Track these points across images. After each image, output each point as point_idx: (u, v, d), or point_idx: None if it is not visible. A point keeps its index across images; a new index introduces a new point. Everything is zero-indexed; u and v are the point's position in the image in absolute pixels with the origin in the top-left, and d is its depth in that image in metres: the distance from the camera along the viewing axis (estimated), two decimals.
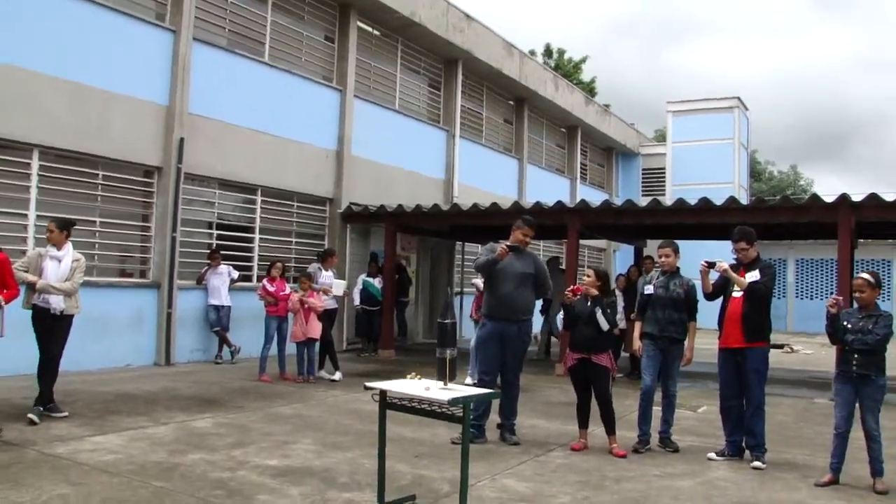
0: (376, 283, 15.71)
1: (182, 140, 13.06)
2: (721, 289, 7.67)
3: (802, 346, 22.01)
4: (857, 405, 6.54)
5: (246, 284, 14.44)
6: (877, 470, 6.40)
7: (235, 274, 13.78)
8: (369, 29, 18.30)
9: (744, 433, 7.45)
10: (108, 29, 12.17)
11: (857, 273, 6.94)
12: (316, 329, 11.72)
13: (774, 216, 13.07)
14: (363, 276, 15.87)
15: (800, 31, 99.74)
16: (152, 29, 12.94)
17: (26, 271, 7.92)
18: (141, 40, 12.73)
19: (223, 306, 13.50)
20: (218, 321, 13.49)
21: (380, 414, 5.55)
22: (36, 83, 11.15)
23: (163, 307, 12.82)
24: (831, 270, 27.25)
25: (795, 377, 14.80)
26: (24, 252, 9.55)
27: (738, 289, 7.45)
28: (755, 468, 7.10)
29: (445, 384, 5.51)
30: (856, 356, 6.41)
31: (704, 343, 9.35)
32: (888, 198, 11.80)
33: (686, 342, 7.96)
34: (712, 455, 7.46)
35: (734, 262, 7.70)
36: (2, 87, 10.72)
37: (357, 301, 15.72)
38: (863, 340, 6.38)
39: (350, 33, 17.11)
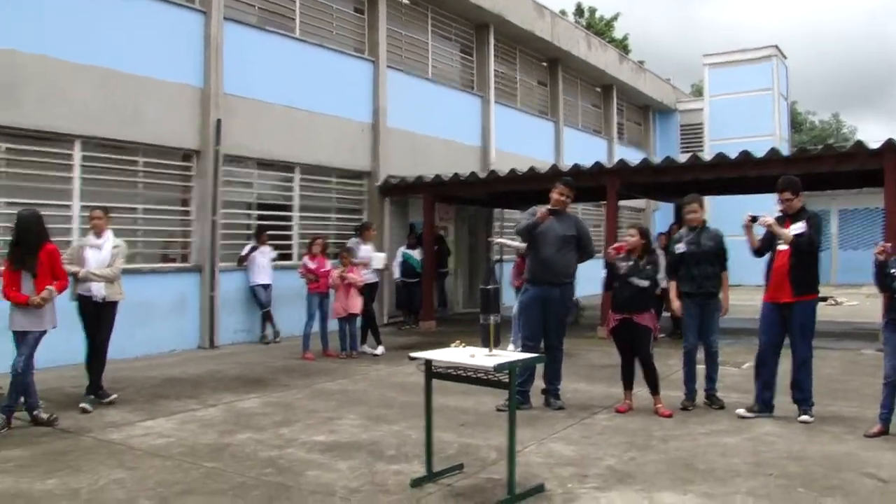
0: (415, 254, 15.74)
1: (219, 121, 13.14)
2: (768, 243, 7.52)
3: (847, 297, 21.68)
4: None
5: (286, 263, 14.56)
6: None
7: (274, 253, 13.89)
8: None
9: (772, 391, 7.36)
10: (138, 13, 12.24)
11: None
12: (357, 304, 11.78)
13: (817, 165, 12.79)
14: (402, 249, 15.92)
15: None
16: (183, 11, 12.98)
17: (70, 263, 8.07)
18: (172, 23, 12.79)
19: (270, 285, 13.62)
20: (268, 300, 13.61)
21: (426, 384, 5.60)
22: (71, 73, 11.26)
23: (205, 290, 12.96)
24: (876, 220, 26.70)
25: (841, 329, 14.60)
26: (69, 243, 9.72)
27: (784, 242, 7.31)
28: (803, 422, 7.05)
29: (490, 351, 5.53)
30: None
31: (746, 300, 9.26)
32: None
33: (721, 294, 7.89)
34: (741, 411, 7.39)
35: (779, 214, 7.55)
36: (39, 80, 10.85)
37: (397, 274, 15.79)
38: None
39: (379, 3, 17.01)
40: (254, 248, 13.56)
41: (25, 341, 7.19)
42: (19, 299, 7.18)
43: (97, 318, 8.12)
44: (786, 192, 7.40)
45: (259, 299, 13.60)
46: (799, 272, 7.22)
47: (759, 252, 7.63)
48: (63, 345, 7.81)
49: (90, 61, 11.49)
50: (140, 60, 12.18)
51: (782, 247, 7.31)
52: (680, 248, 8.02)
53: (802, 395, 7.25)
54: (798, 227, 7.25)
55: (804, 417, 7.10)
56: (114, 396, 8.25)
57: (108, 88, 11.73)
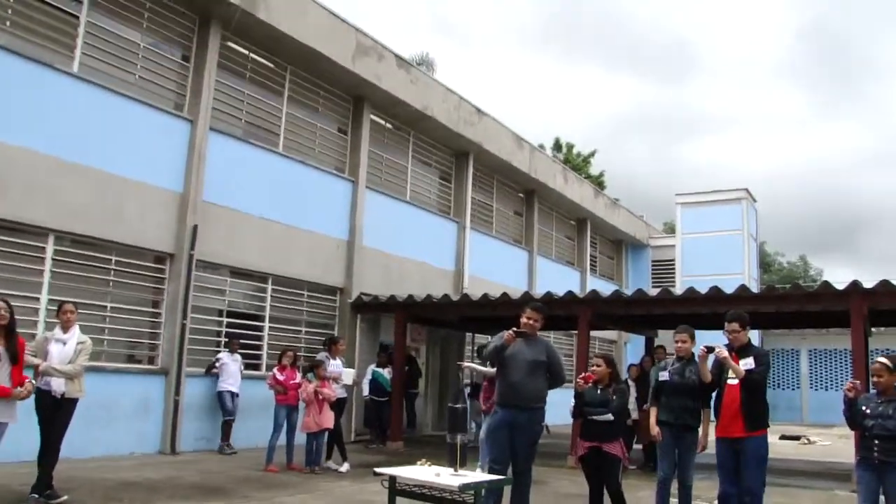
0: (385, 373, 15.61)
1: (195, 227, 13.19)
2: (717, 377, 7.54)
3: (819, 437, 21.60)
4: (881, 495, 6.36)
5: (255, 373, 14.36)
6: None
7: (241, 364, 13.71)
8: (382, 122, 18.64)
9: None
10: (126, 117, 12.47)
11: (873, 360, 6.81)
12: (329, 419, 11.58)
13: (785, 304, 12.98)
14: (373, 367, 15.78)
15: (808, 127, 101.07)
16: (170, 118, 13.24)
17: (34, 356, 7.91)
18: (159, 129, 13.02)
19: (238, 394, 13.37)
20: (233, 409, 13.32)
21: (389, 500, 5.44)
22: (54, 169, 11.36)
23: (170, 394, 12.71)
24: (846, 361, 26.95)
25: (814, 468, 14.46)
26: (33, 335, 9.54)
27: (734, 376, 7.32)
28: None
29: (456, 470, 5.42)
30: (876, 442, 6.26)
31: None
32: None
33: (700, 429, 7.82)
34: None
35: (725, 345, 7.60)
36: (21, 172, 10.93)
37: (366, 391, 15.59)
38: (883, 426, 6.24)
39: (363, 125, 17.42)
40: (220, 356, 13.40)
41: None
42: (4, 392, 6.98)
43: (53, 413, 7.90)
44: (733, 324, 7.49)
45: (225, 406, 13.29)
46: (750, 407, 7.22)
47: (710, 385, 7.62)
48: (16, 439, 7.52)
49: (72, 158, 11.64)
50: (124, 162, 12.34)
51: (732, 381, 7.32)
52: (663, 375, 7.99)
53: None
54: (747, 363, 7.27)
55: None
56: (63, 498, 7.93)
57: (90, 186, 11.83)
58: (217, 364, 13.34)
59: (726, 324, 7.52)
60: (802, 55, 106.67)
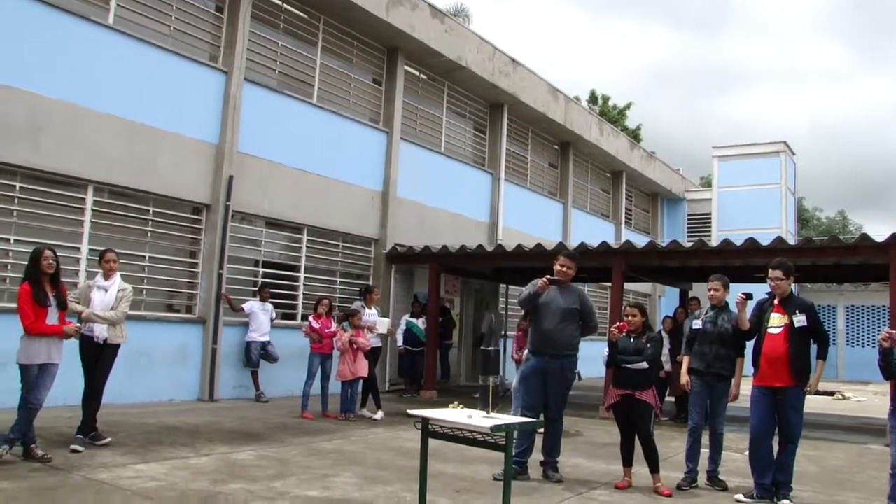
0: (419, 323, 15.71)
1: (231, 178, 13.29)
2: (756, 325, 7.52)
3: (855, 393, 21.47)
4: None
5: (290, 322, 14.56)
6: None
7: (274, 313, 13.88)
8: (416, 72, 18.55)
9: (770, 478, 7.17)
10: (161, 69, 12.52)
11: None
12: (364, 368, 11.73)
13: (822, 256, 12.84)
14: (406, 317, 15.89)
15: (843, 80, 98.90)
16: (205, 70, 13.27)
17: (77, 302, 8.10)
18: (194, 80, 13.06)
19: (270, 342, 13.55)
20: (258, 359, 13.50)
21: (422, 443, 5.53)
22: (92, 121, 11.48)
23: (208, 343, 12.93)
24: (884, 317, 26.66)
25: (848, 423, 14.43)
26: (75, 285, 9.74)
27: (777, 325, 7.28)
28: None
29: (489, 413, 5.48)
30: None
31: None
32: None
33: (733, 378, 7.82)
34: (740, 497, 7.24)
35: (767, 293, 7.56)
36: (59, 124, 11.05)
37: (400, 341, 15.72)
38: None
39: (397, 76, 17.36)
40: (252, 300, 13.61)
41: (49, 373, 7.29)
42: (55, 329, 7.26)
43: (97, 359, 8.10)
44: (777, 271, 7.38)
45: (250, 357, 13.46)
46: (799, 360, 7.14)
47: (749, 333, 7.59)
48: (61, 384, 7.73)
49: (110, 110, 11.73)
50: (159, 113, 12.41)
51: (774, 330, 7.27)
52: (696, 324, 7.99)
53: (784, 479, 7.12)
54: (801, 321, 7.22)
55: (784, 502, 6.97)
56: (108, 440, 8.16)
57: (126, 138, 11.93)
58: (246, 312, 13.45)
59: (770, 271, 7.43)
60: (841, 6, 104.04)
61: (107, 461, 7.37)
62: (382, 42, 17.12)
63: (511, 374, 12.94)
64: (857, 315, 30.73)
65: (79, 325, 7.66)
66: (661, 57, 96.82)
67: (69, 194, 11.37)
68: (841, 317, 30.80)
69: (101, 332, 8.09)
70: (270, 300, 13.81)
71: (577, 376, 8.23)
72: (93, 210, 11.60)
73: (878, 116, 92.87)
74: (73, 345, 7.94)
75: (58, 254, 7.51)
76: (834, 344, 29.51)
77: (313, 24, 15.64)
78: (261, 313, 13.47)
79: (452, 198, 19.11)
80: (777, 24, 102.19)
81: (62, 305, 7.45)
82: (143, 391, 11.79)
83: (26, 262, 7.45)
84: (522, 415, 8.09)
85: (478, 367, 17.52)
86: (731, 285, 8.21)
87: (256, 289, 13.90)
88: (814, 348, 7.28)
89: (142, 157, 12.16)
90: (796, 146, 31.80)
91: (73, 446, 7.71)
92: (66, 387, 8.37)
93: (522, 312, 9.73)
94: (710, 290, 8.08)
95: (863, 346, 29.51)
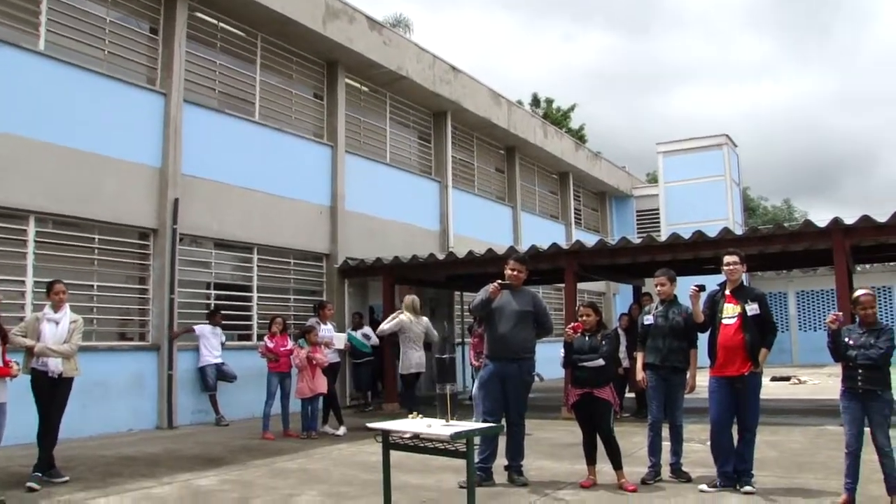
0: (358, 335, 15.28)
1: (176, 201, 13.13)
2: (710, 317, 7.62)
3: (809, 377, 21.85)
4: (866, 423, 6.46)
5: (246, 343, 14.42)
6: (892, 487, 6.29)
7: (224, 336, 13.72)
8: (357, 85, 18.52)
9: (732, 465, 7.30)
10: (98, 94, 12.36)
11: (857, 291, 6.85)
12: (323, 384, 11.66)
13: (769, 245, 13.10)
14: (348, 330, 15.61)
15: (775, 72, 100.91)
16: (143, 92, 13.12)
17: (24, 336, 7.92)
18: (133, 104, 12.90)
19: (224, 363, 13.40)
20: (215, 382, 13.33)
21: (383, 454, 5.52)
22: (30, 150, 11.29)
23: (163, 369, 12.74)
24: (833, 300, 27.19)
25: (805, 406, 14.69)
26: (21, 319, 9.52)
27: (730, 315, 7.40)
28: (746, 493, 7.02)
29: (447, 421, 5.47)
30: (860, 372, 6.36)
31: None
32: (881, 219, 11.83)
33: (689, 370, 7.91)
34: (704, 487, 7.33)
35: (718, 284, 7.68)
36: None
37: None
38: (866, 355, 6.34)
39: (338, 89, 17.31)
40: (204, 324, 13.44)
41: (2, 412, 7.18)
42: (3, 373, 7.15)
43: (52, 394, 7.94)
44: (733, 256, 7.56)
45: (207, 381, 13.30)
46: (755, 347, 7.28)
47: (703, 326, 7.70)
48: (13, 422, 7.55)
49: (47, 138, 11.55)
50: (99, 139, 12.25)
51: (727, 321, 7.39)
52: (648, 319, 8.08)
53: (745, 466, 7.24)
54: (753, 309, 7.34)
55: (747, 488, 7.08)
56: (65, 478, 7.95)
57: (66, 166, 11.75)
58: (198, 337, 13.28)
59: (726, 257, 7.58)
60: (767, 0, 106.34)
61: (64, 498, 7.21)
62: (321, 56, 17.07)
63: (470, 381, 12.96)
64: (808, 300, 31.32)
65: (18, 363, 7.44)
66: (598, 58, 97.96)
67: (10, 226, 11.15)
68: (792, 303, 31.36)
69: (55, 366, 7.93)
70: (223, 323, 13.65)
71: (537, 378, 8.26)
72: (36, 241, 11.38)
73: (813, 105, 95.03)
74: (21, 381, 7.77)
75: (1, 288, 7.35)
76: (787, 330, 30.06)
77: (251, 42, 15.54)
78: (211, 336, 13.34)
79: (401, 208, 19.09)
80: (705, 21, 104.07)
81: (4, 338, 7.29)
82: (99, 423, 11.57)
83: None
84: (484, 420, 8.10)
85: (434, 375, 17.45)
86: (683, 278, 8.32)
87: (208, 312, 13.71)
88: (777, 338, 7.43)
89: (84, 184, 11.96)
90: (738, 138, 32.32)
91: (28, 484, 7.54)
92: (18, 425, 8.16)
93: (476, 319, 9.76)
94: (656, 284, 8.21)
95: (815, 330, 30.04)
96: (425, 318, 12.67)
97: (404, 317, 12.13)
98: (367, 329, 15.04)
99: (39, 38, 11.78)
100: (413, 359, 12.12)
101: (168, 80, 13.39)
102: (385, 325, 12.42)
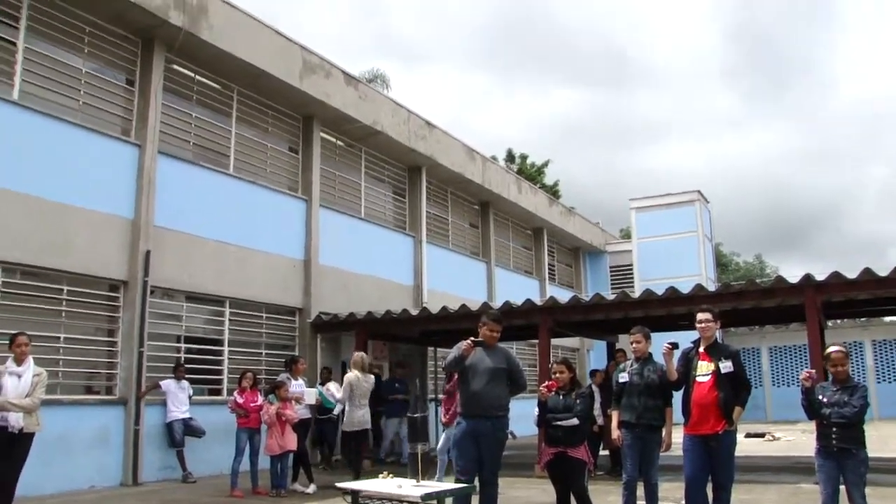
0: (324, 390, 15.01)
1: (148, 253, 13.00)
2: (684, 375, 7.59)
3: (783, 433, 21.82)
4: (842, 482, 6.42)
5: (216, 398, 14.21)
6: None
7: (191, 390, 13.48)
8: (332, 139, 18.58)
9: None
10: (71, 144, 12.30)
11: (829, 348, 6.85)
12: (293, 441, 11.44)
13: (742, 301, 13.19)
14: (318, 385, 15.36)
15: (744, 128, 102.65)
16: (117, 143, 13.08)
17: None
18: (106, 155, 12.85)
19: (192, 418, 13.15)
20: (182, 437, 13.06)
21: None
22: (0, 199, 11.14)
23: (129, 424, 12.47)
24: (806, 356, 27.31)
25: (779, 464, 14.63)
26: None
27: (705, 373, 7.37)
28: None
29: (418, 481, 5.37)
30: (835, 430, 6.35)
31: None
32: (850, 275, 11.95)
33: (664, 428, 7.85)
34: None
35: (693, 341, 7.67)
36: None
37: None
38: (840, 413, 6.33)
39: (314, 144, 17.36)
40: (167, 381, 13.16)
41: None
42: None
43: (10, 450, 7.76)
44: (706, 314, 7.55)
45: (174, 437, 13.03)
46: (729, 405, 7.24)
47: (677, 383, 7.66)
48: None
49: (17, 187, 11.45)
50: (71, 189, 12.16)
51: (702, 378, 7.37)
52: (623, 377, 8.03)
53: None
54: (727, 366, 7.33)
55: None
56: None
57: (35, 216, 11.63)
58: (164, 391, 13.04)
59: (699, 314, 7.57)
60: (732, 57, 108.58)
61: None
62: (297, 110, 17.13)
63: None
64: (781, 355, 31.46)
65: None
66: (571, 114, 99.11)
67: None
68: (765, 358, 31.49)
69: (16, 421, 7.76)
70: (187, 377, 13.43)
71: (510, 435, 8.16)
72: (2, 291, 11.21)
73: (783, 162, 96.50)
74: None
75: None
76: (760, 385, 30.09)
77: (227, 95, 15.57)
78: (178, 391, 13.11)
79: (375, 263, 19.04)
80: (673, 78, 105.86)
81: None
82: (60, 480, 11.25)
83: None
84: (457, 480, 7.97)
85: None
86: (657, 335, 8.29)
87: (173, 367, 13.48)
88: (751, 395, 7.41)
89: (53, 234, 11.83)
90: (710, 193, 32.73)
91: None
92: None
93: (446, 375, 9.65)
94: (631, 342, 8.19)
95: (788, 386, 30.16)
96: (372, 377, 12.48)
97: (351, 374, 11.93)
98: (332, 385, 14.71)
99: (14, 87, 11.75)
100: (356, 416, 11.82)
101: (143, 131, 13.36)
102: (340, 396, 12.20)
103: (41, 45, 12.25)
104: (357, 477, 11.13)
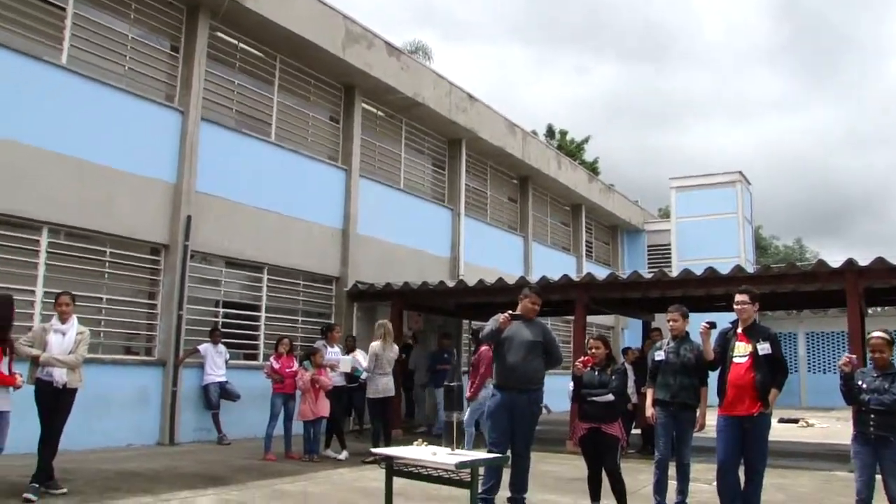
0: (350, 358, 14.99)
1: (189, 218, 13.16)
2: (721, 355, 7.54)
3: (818, 420, 21.61)
4: (878, 471, 6.35)
5: (252, 363, 14.37)
6: None
7: (227, 354, 13.68)
8: (373, 109, 18.59)
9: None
10: (117, 109, 12.43)
11: (872, 333, 6.77)
12: (325, 407, 11.57)
13: (781, 284, 13.00)
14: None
15: (790, 110, 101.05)
16: (161, 109, 13.20)
17: (31, 346, 7.92)
18: (150, 120, 12.97)
19: (228, 381, 13.35)
20: (218, 400, 13.28)
21: (386, 481, 5.45)
22: (46, 161, 11.35)
23: (167, 385, 12.70)
24: (843, 343, 26.99)
25: (813, 450, 14.49)
26: (30, 328, 9.49)
27: (742, 354, 7.31)
28: None
29: (453, 449, 5.40)
30: (873, 416, 6.27)
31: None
32: (895, 261, 11.72)
33: (699, 408, 7.82)
34: None
35: (731, 322, 7.60)
36: (13, 165, 10.91)
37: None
38: (879, 400, 6.25)
39: (355, 114, 17.38)
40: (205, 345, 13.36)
41: (5, 419, 7.24)
42: (8, 381, 7.18)
43: (55, 404, 7.92)
44: (744, 296, 7.45)
45: (210, 399, 13.25)
46: (766, 387, 7.18)
47: (714, 363, 7.61)
48: (14, 432, 7.51)
49: (63, 150, 11.60)
50: (114, 153, 12.29)
51: (739, 359, 7.30)
52: (659, 355, 8.00)
53: None
54: (765, 348, 7.26)
55: None
56: (63, 490, 7.92)
57: (80, 178, 11.79)
58: (202, 355, 13.24)
59: (736, 295, 7.50)
60: (780, 37, 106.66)
61: None
62: (339, 80, 17.15)
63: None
64: (818, 341, 31.09)
65: (23, 378, 7.47)
66: (612, 91, 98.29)
67: (23, 236, 11.19)
68: (802, 344, 31.14)
69: (60, 376, 7.92)
70: (227, 341, 13.62)
71: (544, 409, 8.19)
72: (48, 252, 11.41)
73: (827, 145, 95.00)
74: (24, 391, 7.74)
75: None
76: (795, 371, 29.73)
77: (270, 63, 15.62)
78: (215, 355, 13.31)
79: (413, 234, 19.08)
80: (719, 56, 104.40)
81: (9, 351, 7.33)
82: (100, 436, 11.49)
83: None
84: (489, 451, 8.02)
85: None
86: (693, 315, 8.24)
87: (209, 330, 13.66)
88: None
89: (98, 197, 12.00)
90: (751, 175, 32.22)
91: (25, 495, 7.47)
92: (19, 434, 8.12)
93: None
94: (668, 320, 8.13)
95: (824, 373, 29.81)
96: (395, 346, 12.53)
97: (376, 343, 11.98)
98: (360, 353, 14.77)
99: (63, 51, 11.89)
100: (380, 383, 11.88)
101: (187, 97, 13.47)
102: (367, 364, 12.25)
103: (89, 10, 12.36)
104: (387, 443, 11.26)
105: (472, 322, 20.32)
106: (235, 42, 14.95)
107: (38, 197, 11.19)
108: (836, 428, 18.81)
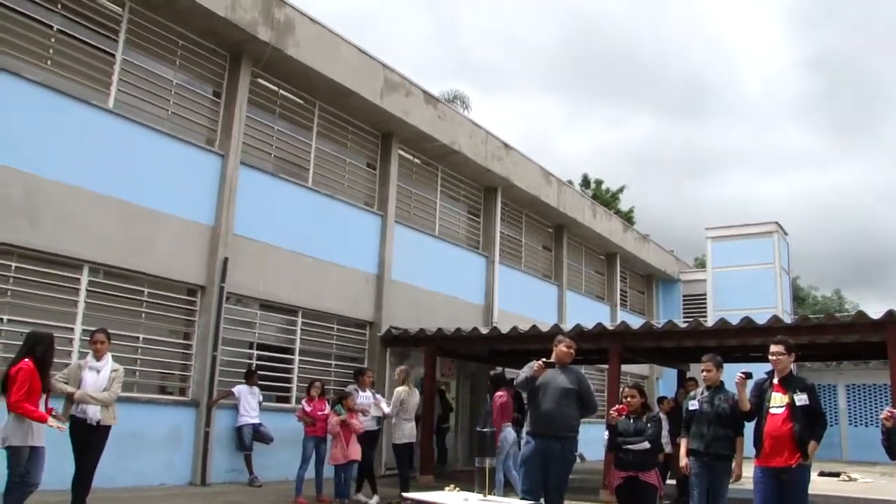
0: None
1: (226, 260, 13.30)
2: (757, 406, 7.44)
3: (861, 474, 21.08)
4: None
5: (284, 405, 14.40)
6: None
7: (261, 396, 13.70)
8: (410, 157, 18.76)
9: None
10: (159, 152, 12.66)
11: None
12: (357, 451, 11.54)
13: (819, 335, 12.83)
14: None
15: (824, 164, 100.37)
16: (202, 153, 13.42)
17: (66, 382, 8.02)
18: (191, 163, 13.19)
19: (261, 423, 13.36)
20: (251, 442, 13.29)
21: None
22: (89, 201, 11.56)
23: (201, 426, 12.73)
24: (885, 396, 26.41)
25: None
26: (67, 365, 9.61)
27: (779, 405, 7.22)
28: None
29: (485, 496, 5.37)
30: None
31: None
32: None
33: (734, 458, 7.71)
34: None
35: (766, 373, 7.53)
36: (57, 205, 11.13)
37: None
38: None
39: (391, 161, 17.55)
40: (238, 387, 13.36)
41: (41, 454, 7.31)
42: (44, 418, 7.25)
43: (88, 441, 8.01)
44: (779, 346, 7.39)
45: (244, 441, 13.26)
46: (803, 438, 7.08)
47: (749, 414, 7.52)
48: (49, 468, 7.58)
49: (106, 191, 11.81)
50: (156, 195, 12.50)
51: (776, 410, 7.21)
52: (693, 405, 7.94)
53: None
54: (802, 399, 7.18)
55: None
56: None
57: (123, 219, 12.00)
58: (236, 397, 13.26)
59: (772, 346, 7.44)
60: (812, 95, 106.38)
61: None
62: (377, 127, 17.36)
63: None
64: (859, 394, 30.42)
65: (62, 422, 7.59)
66: (647, 141, 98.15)
67: (65, 274, 11.36)
68: (842, 396, 30.50)
69: (94, 413, 8.02)
70: (260, 383, 13.68)
71: (578, 458, 8.12)
72: (87, 290, 11.57)
73: (865, 196, 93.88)
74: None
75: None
76: (836, 424, 29.14)
77: (309, 110, 15.87)
78: (249, 396, 13.33)
79: (447, 280, 19.11)
80: (755, 111, 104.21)
81: (47, 388, 7.46)
82: (133, 475, 11.53)
83: (24, 343, 7.52)
84: (523, 498, 7.94)
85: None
86: (729, 365, 8.17)
87: (245, 372, 13.72)
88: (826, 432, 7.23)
89: (138, 238, 12.19)
90: (788, 226, 31.96)
91: None
92: (54, 471, 8.20)
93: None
94: (703, 370, 8.07)
95: (866, 426, 29.15)
96: (417, 391, 12.67)
97: (401, 388, 12.22)
98: (382, 401, 14.64)
99: (110, 96, 12.18)
100: (405, 429, 12.24)
101: (227, 141, 13.70)
102: (389, 410, 12.45)
103: (137, 56, 12.68)
104: (405, 488, 11.28)
105: (505, 369, 20.23)
106: (276, 88, 15.22)
107: (80, 236, 11.38)
108: (881, 483, 18.31)
